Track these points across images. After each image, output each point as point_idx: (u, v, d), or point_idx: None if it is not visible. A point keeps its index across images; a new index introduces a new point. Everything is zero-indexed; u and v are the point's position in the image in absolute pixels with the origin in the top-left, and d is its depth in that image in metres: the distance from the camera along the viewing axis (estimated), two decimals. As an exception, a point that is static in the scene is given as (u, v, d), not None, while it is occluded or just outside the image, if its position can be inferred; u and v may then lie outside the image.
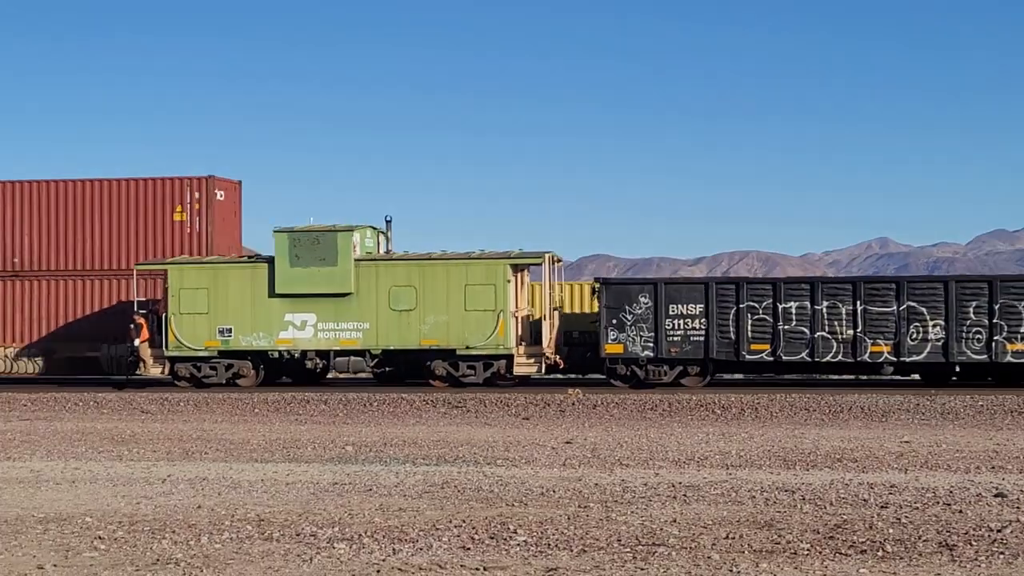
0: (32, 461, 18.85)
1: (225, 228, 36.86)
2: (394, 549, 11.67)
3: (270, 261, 33.57)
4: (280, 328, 33.41)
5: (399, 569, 10.84)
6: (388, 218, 36.53)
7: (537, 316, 34.17)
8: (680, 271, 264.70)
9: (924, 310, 31.07)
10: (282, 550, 11.66)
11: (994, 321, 30.75)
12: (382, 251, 35.60)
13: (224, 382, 33.82)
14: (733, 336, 31.68)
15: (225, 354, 33.84)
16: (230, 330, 33.62)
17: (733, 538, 12.03)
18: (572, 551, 11.52)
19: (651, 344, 31.90)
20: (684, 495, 14.80)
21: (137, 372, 34.69)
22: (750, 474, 16.75)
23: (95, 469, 17.81)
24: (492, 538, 12.14)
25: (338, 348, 33.40)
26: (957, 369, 31.80)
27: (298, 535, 12.38)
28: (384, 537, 12.22)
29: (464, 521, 13.07)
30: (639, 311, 32.06)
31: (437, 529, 12.62)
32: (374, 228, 35.51)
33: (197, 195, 35.91)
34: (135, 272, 34.46)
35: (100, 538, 12.30)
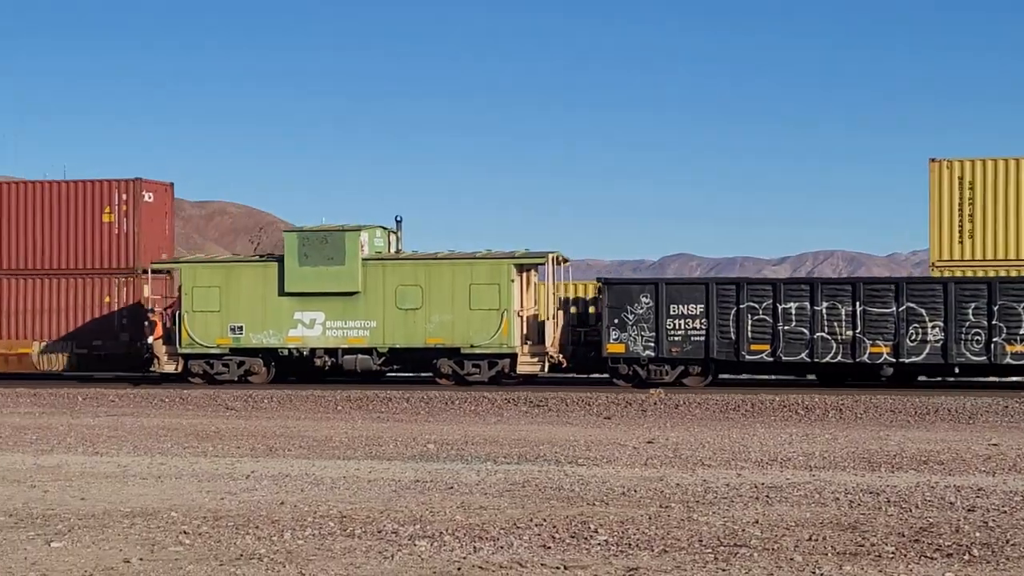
0: (119, 456, 19.12)
1: (153, 229, 37.52)
2: (475, 547, 11.69)
3: (280, 260, 34.07)
4: (290, 326, 33.97)
5: (480, 567, 10.85)
6: (398, 218, 36.98)
7: (543, 316, 34.39)
8: (764, 271, 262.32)
9: (923, 311, 31.01)
10: (363, 547, 11.73)
11: (993, 323, 30.65)
12: (392, 251, 35.91)
13: (236, 379, 34.35)
14: (733, 336, 31.80)
15: (236, 351, 34.40)
16: (241, 328, 34.17)
17: (816, 540, 11.91)
18: (653, 551, 11.47)
19: (652, 344, 32.07)
20: (767, 496, 14.69)
21: (151, 369, 35.26)
22: (834, 476, 16.58)
23: (180, 465, 18.02)
24: (573, 537, 12.12)
25: (346, 346, 33.84)
26: (956, 371, 31.61)
27: (379, 532, 12.44)
28: (465, 535, 12.25)
29: (545, 520, 13.06)
30: (640, 311, 32.22)
31: (518, 527, 12.62)
32: (384, 228, 35.90)
33: (124, 197, 36.70)
34: (149, 270, 35.26)
35: (185, 532, 12.45)
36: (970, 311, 30.79)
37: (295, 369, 35.32)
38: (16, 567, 10.98)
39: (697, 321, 31.89)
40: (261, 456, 19.19)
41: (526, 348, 33.50)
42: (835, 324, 31.39)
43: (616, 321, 32.24)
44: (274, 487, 15.65)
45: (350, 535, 12.29)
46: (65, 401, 29.85)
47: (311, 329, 33.85)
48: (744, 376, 34.57)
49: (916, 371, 32.17)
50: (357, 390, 31.36)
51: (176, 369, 34.71)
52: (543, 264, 34.32)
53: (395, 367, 35.13)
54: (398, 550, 11.55)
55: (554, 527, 12.63)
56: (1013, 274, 32.62)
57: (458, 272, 33.51)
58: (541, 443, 20.85)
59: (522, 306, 33.79)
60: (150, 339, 34.74)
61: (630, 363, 32.44)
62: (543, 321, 34.00)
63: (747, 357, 31.88)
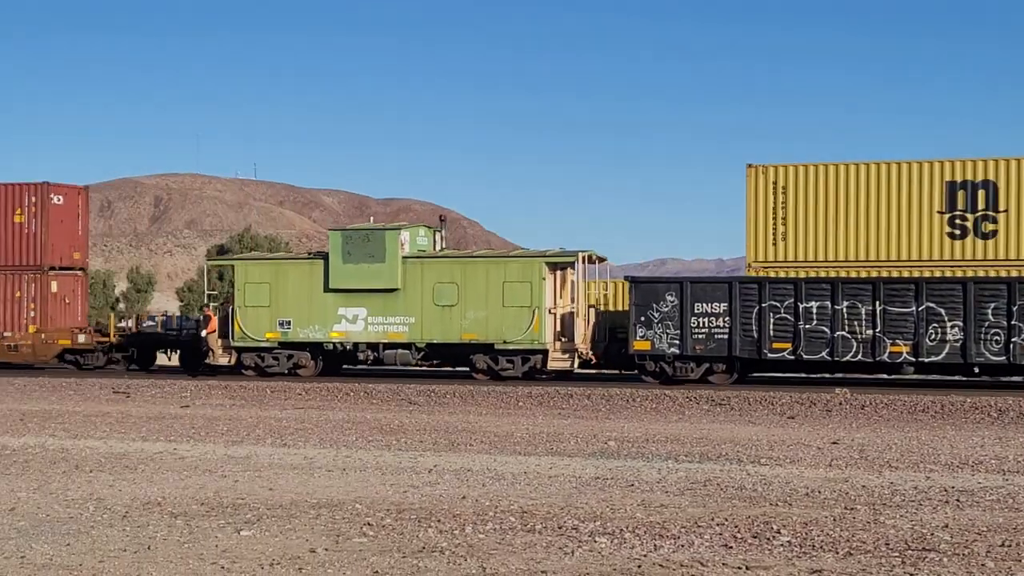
0: (306, 448, 19.52)
1: (62, 230, 39.62)
2: (655, 545, 11.62)
3: (325, 257, 35.44)
4: (334, 321, 35.27)
5: (660, 565, 10.78)
6: (442, 217, 38.24)
7: (578, 314, 34.75)
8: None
9: (943, 311, 31.07)
10: (544, 542, 11.75)
11: (1012, 323, 30.57)
12: (437, 249, 36.79)
13: (286, 372, 35.70)
14: (755, 335, 32.11)
15: (285, 345, 35.78)
16: (289, 322, 35.63)
17: (1009, 546, 11.53)
18: (838, 553, 11.24)
19: (677, 341, 32.60)
20: (957, 500, 14.27)
21: (206, 361, 36.76)
22: (1028, 480, 16.03)
23: (365, 458, 18.31)
24: (755, 537, 11.95)
25: (386, 341, 34.99)
26: (976, 371, 31.51)
27: (560, 528, 12.45)
28: (645, 533, 12.18)
29: (726, 519, 12.91)
30: (666, 309, 32.78)
31: (699, 527, 12.50)
32: (428, 227, 37.18)
33: (34, 199, 38.87)
34: (206, 267, 36.87)
35: (369, 524, 12.64)
36: (989, 311, 30.80)
37: (339, 362, 36.64)
38: (207, 554, 11.29)
39: (720, 319, 32.38)
40: (443, 451, 19.39)
41: (557, 345, 34.32)
42: (855, 323, 31.60)
43: (642, 319, 32.85)
44: (456, 481, 15.80)
45: (531, 530, 12.33)
46: (254, 394, 30.61)
47: (354, 324, 35.16)
48: (770, 374, 34.81)
49: (935, 371, 32.10)
50: (539, 387, 31.47)
51: (230, 362, 36.35)
52: (571, 263, 34.85)
53: (434, 362, 36.05)
54: (578, 546, 11.55)
55: (736, 527, 12.48)
56: (821, 275, 33.66)
57: (492, 270, 34.57)
58: (723, 442, 20.63)
59: (555, 304, 34.51)
60: (203, 333, 36.56)
61: (656, 360, 32.98)
62: (575, 318, 34.51)
63: (769, 355, 32.27)
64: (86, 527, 12.53)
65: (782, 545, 11.60)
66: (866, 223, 34.41)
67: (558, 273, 34.94)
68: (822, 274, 33.83)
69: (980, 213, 33.52)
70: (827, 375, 33.96)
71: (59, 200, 39.81)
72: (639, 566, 10.74)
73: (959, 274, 32.76)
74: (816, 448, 19.79)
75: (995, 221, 33.45)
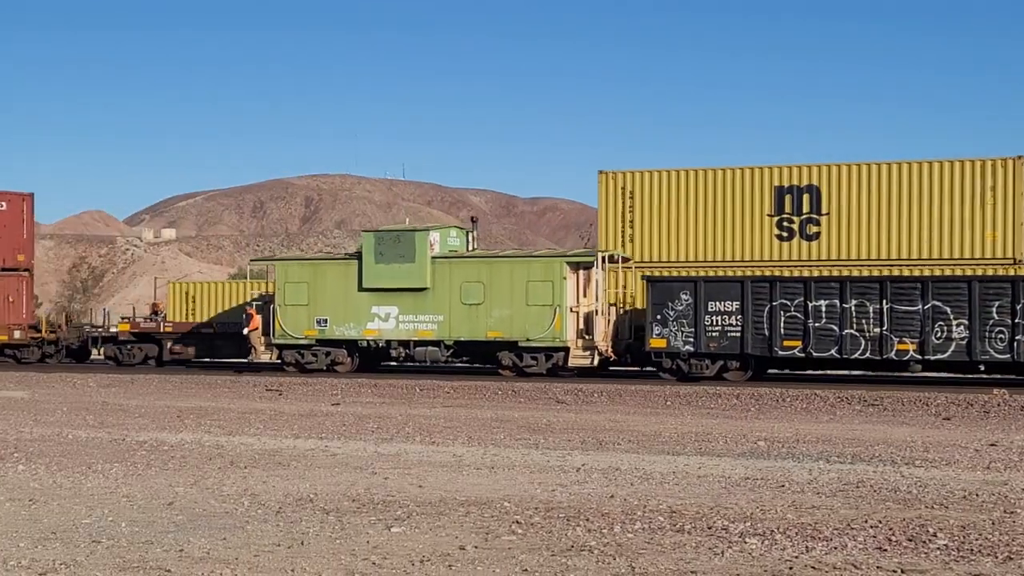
0: (454, 446, 19.65)
1: (6, 234, 43.47)
2: (807, 547, 11.44)
3: (359, 258, 36.85)
4: (368, 319, 36.74)
5: (812, 567, 10.61)
6: (474, 218, 40.00)
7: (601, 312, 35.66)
8: None
9: (948, 309, 31.55)
10: (693, 542, 11.65)
11: (1016, 321, 31.01)
12: (468, 249, 38.07)
13: (324, 368, 37.25)
14: (767, 332, 32.98)
15: (322, 342, 37.34)
16: (326, 320, 37.14)
17: None
18: (997, 558, 10.94)
19: (691, 339, 33.63)
20: (1123, 504, 13.79)
21: (249, 358, 38.68)
22: None
23: (513, 456, 18.37)
24: (910, 540, 11.70)
25: (416, 338, 36.37)
26: (981, 368, 32.02)
27: (709, 528, 12.33)
28: (797, 534, 12.00)
29: (880, 522, 12.66)
30: (680, 307, 33.77)
31: (852, 528, 12.27)
32: (460, 228, 38.76)
33: None
34: (248, 267, 38.49)
35: (518, 522, 12.67)
36: (994, 309, 31.21)
37: (375, 359, 38.12)
38: (359, 549, 11.42)
39: (733, 317, 33.26)
40: (591, 449, 19.36)
41: (579, 342, 35.22)
42: (863, 321, 32.25)
43: (658, 317, 33.94)
44: (604, 480, 15.76)
45: (680, 530, 12.24)
46: (403, 392, 30.93)
47: (386, 322, 36.58)
48: (786, 371, 35.88)
49: (942, 368, 32.84)
50: (686, 386, 31.26)
51: (271, 358, 38.12)
52: (591, 263, 35.76)
53: (464, 358, 37.23)
54: (728, 547, 11.43)
55: (890, 529, 12.22)
56: (674, 274, 35.78)
57: (516, 270, 35.67)
58: (876, 443, 20.24)
59: (577, 302, 35.45)
60: (246, 331, 38.49)
61: (672, 357, 34.04)
62: (597, 316, 35.44)
63: (780, 353, 33.10)
64: (241, 522, 12.78)
65: (939, 549, 11.33)
66: (704, 225, 36.90)
67: (581, 273, 35.73)
68: (674, 273, 35.92)
69: (805, 216, 36.00)
70: (835, 371, 35.16)
71: (3, 206, 43.52)
72: (791, 568, 10.59)
73: (787, 274, 34.75)
74: (973, 450, 19.31)
75: (818, 224, 35.93)
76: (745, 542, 11.63)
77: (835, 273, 34.51)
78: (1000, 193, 34.37)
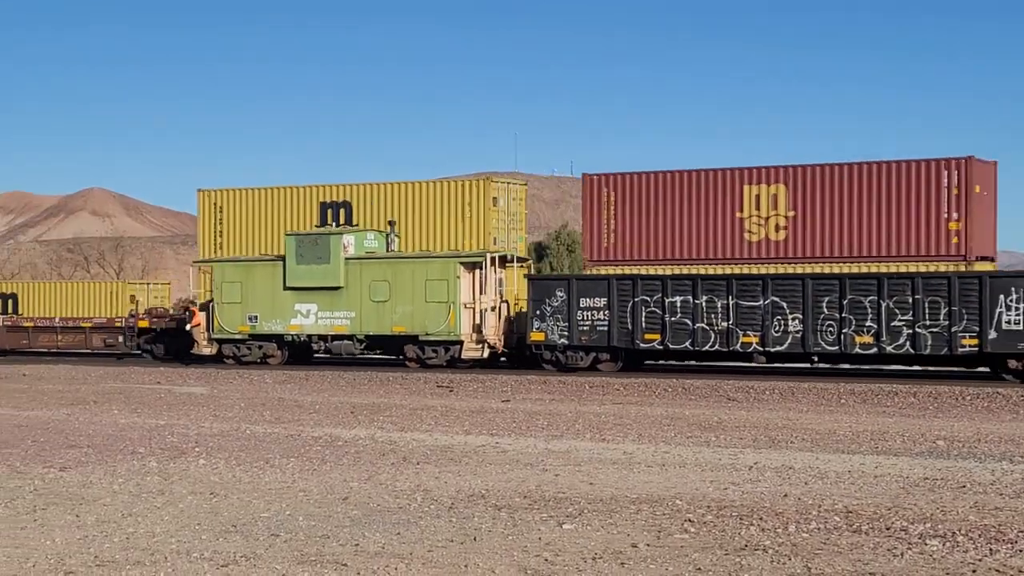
0: (624, 444, 19.57)
1: None
2: (991, 549, 11.10)
3: (283, 259, 39.87)
4: (291, 316, 39.94)
5: (996, 571, 10.30)
6: (391, 221, 41.47)
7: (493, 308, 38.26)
8: None
9: (785, 305, 33.62)
10: (871, 543, 11.40)
11: (844, 315, 32.98)
12: (387, 250, 40.38)
13: (257, 360, 40.40)
14: (630, 327, 35.33)
15: (254, 337, 40.55)
16: (256, 317, 40.40)
17: None
18: None
19: (566, 333, 36.04)
20: None
21: (192, 351, 41.59)
22: None
23: (684, 454, 18.22)
24: (1101, 544, 11.26)
25: (333, 333, 39.40)
26: (815, 360, 34.09)
27: (887, 529, 12.05)
28: (980, 536, 11.65)
29: (1068, 524, 12.22)
30: (556, 304, 36.20)
31: (1038, 531, 11.88)
32: (379, 231, 40.79)
33: None
34: (191, 267, 42.17)
35: (690, 521, 12.56)
36: (824, 305, 33.22)
37: (308, 352, 40.78)
38: (531, 546, 11.44)
39: (601, 312, 35.68)
40: (763, 447, 19.09)
41: (473, 336, 37.82)
42: (712, 316, 34.52)
43: (538, 312, 36.41)
44: (777, 479, 15.53)
45: (856, 531, 11.98)
46: (572, 389, 30.94)
47: (307, 318, 39.73)
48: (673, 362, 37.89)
49: (780, 359, 34.74)
50: (861, 383, 30.65)
51: (212, 352, 41.15)
52: (480, 262, 38.08)
53: (376, 351, 40.19)
54: (908, 548, 11.15)
55: (1079, 532, 11.79)
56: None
57: (416, 269, 38.46)
58: (1061, 443, 19.56)
59: (473, 299, 38.01)
60: (188, 327, 41.73)
61: (551, 349, 36.45)
62: (488, 312, 38.15)
63: (641, 345, 35.48)
64: (415, 517, 12.91)
65: None
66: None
67: (477, 272, 38.12)
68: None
69: None
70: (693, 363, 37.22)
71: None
72: (973, 571, 10.29)
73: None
74: None
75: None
76: (925, 544, 11.33)
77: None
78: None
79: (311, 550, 11.30)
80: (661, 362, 37.99)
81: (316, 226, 42.04)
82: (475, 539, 11.76)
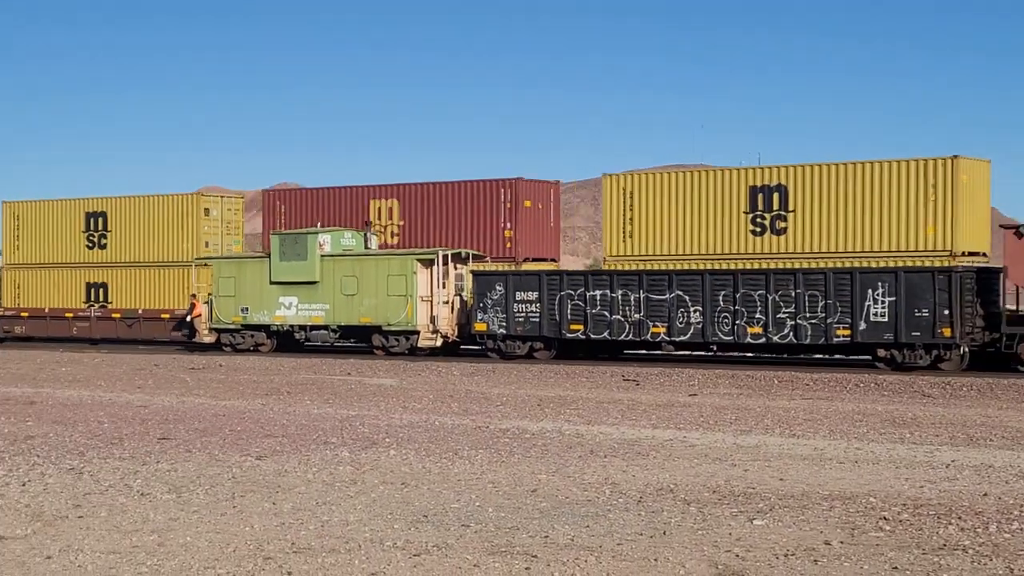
0: (815, 439, 19.25)
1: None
2: None
3: (269, 256, 43.87)
4: (276, 308, 43.81)
5: None
6: (367, 221, 45.35)
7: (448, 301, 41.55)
8: None
9: (688, 298, 36.58)
10: (1077, 545, 10.99)
11: (736, 308, 35.75)
12: (365, 248, 43.66)
13: (250, 348, 44.22)
14: (557, 318, 38.47)
15: (246, 327, 44.44)
16: (247, 309, 44.24)
17: None
18: None
19: (504, 324, 39.26)
20: None
21: (193, 339, 45.67)
22: None
23: (877, 450, 17.84)
24: None
25: (311, 324, 43.23)
26: (714, 349, 36.92)
27: (1095, 531, 11.60)
28: None
29: None
30: (496, 297, 39.43)
31: None
32: (357, 231, 44.24)
33: None
34: (194, 263, 46.75)
35: (885, 519, 12.29)
36: (720, 298, 35.99)
37: (289, 340, 44.11)
38: (721, 541, 11.33)
39: (533, 305, 38.89)
40: (961, 445, 18.57)
41: (428, 327, 41.29)
42: (627, 309, 37.49)
43: (481, 304, 39.71)
44: (976, 477, 15.09)
45: (1062, 532, 11.57)
46: (761, 384, 30.55)
47: (289, 310, 43.58)
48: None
49: (684, 348, 37.49)
50: (1062, 380, 29.56)
51: (212, 340, 44.91)
52: (432, 259, 41.26)
53: (351, 340, 43.49)
54: (1117, 552, 10.72)
55: None
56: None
57: (380, 265, 41.92)
58: None
59: (430, 293, 41.32)
60: (189, 317, 45.86)
61: (492, 339, 39.53)
62: (446, 304, 41.41)
63: (567, 335, 38.47)
64: (603, 510, 12.90)
65: None
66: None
67: (434, 268, 41.29)
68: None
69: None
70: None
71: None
72: None
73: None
74: None
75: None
76: None
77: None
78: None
79: (501, 541, 11.38)
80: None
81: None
82: (664, 533, 11.70)
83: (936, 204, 36.64)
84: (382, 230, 45.63)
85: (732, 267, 38.36)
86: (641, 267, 39.91)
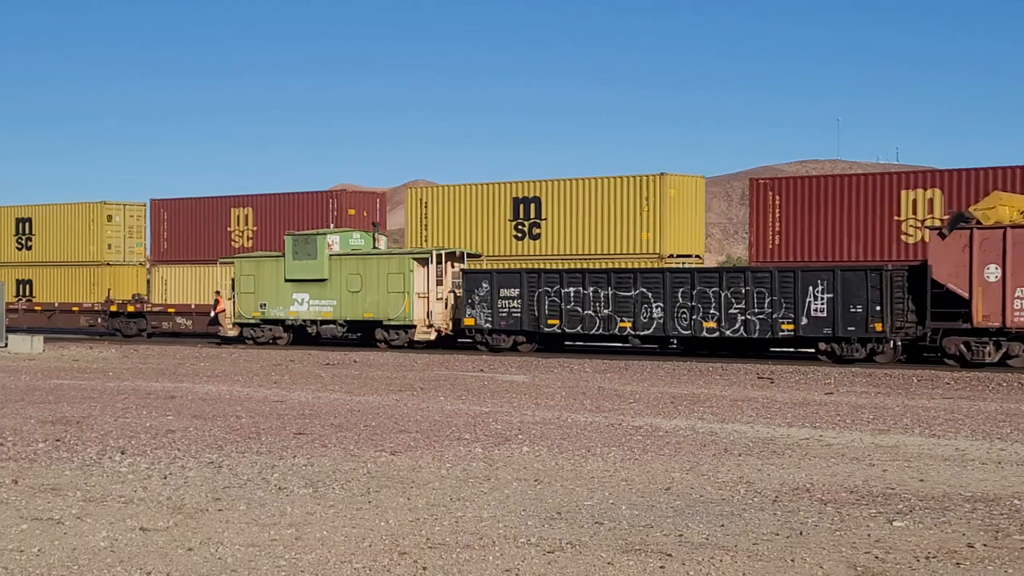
0: (956, 440, 18.82)
1: None
2: None
3: (284, 255, 46.98)
4: (291, 303, 47.07)
5: None
6: (375, 223, 48.96)
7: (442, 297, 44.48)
8: None
9: (650, 295, 39.23)
10: None
11: (693, 304, 38.53)
12: (374, 247, 46.65)
13: (269, 341, 47.56)
14: (536, 313, 41.25)
15: (265, 321, 47.78)
16: (265, 305, 47.66)
17: None
18: None
19: (490, 318, 42.11)
20: None
21: (219, 333, 49.12)
22: None
23: (1021, 451, 17.38)
24: None
25: (321, 319, 46.44)
26: (673, 342, 40.06)
27: None
28: None
29: None
30: (482, 293, 42.23)
31: None
32: (365, 231, 47.59)
33: None
34: (218, 262, 50.72)
35: (1031, 522, 11.96)
36: (679, 295, 38.74)
37: (303, 333, 47.38)
38: (860, 542, 11.13)
39: (515, 301, 41.66)
40: (1109, 446, 18.01)
41: (424, 321, 44.16)
42: (597, 305, 40.15)
43: (470, 300, 42.51)
44: (1126, 480, 14.61)
45: None
46: (899, 382, 30.01)
47: (302, 306, 46.78)
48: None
49: (648, 342, 40.39)
50: None
51: (235, 333, 48.41)
52: (425, 258, 44.34)
53: (357, 334, 46.76)
54: None
55: None
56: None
57: (380, 264, 44.93)
58: None
59: (427, 289, 44.13)
60: (213, 312, 49.88)
61: (480, 332, 42.41)
62: (442, 300, 44.35)
63: (545, 329, 41.29)
64: (738, 509, 12.76)
65: None
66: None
67: (430, 267, 44.14)
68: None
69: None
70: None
71: None
72: None
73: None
74: None
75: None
76: None
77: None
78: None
79: (635, 539, 11.32)
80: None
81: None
82: (801, 534, 11.54)
83: (648, 213, 43.69)
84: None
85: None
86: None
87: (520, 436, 19.03)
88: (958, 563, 10.34)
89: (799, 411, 23.10)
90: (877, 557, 10.56)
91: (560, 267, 42.57)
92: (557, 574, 10.14)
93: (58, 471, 15.42)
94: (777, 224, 41.91)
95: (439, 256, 44.61)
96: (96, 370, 34.53)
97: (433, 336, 44.20)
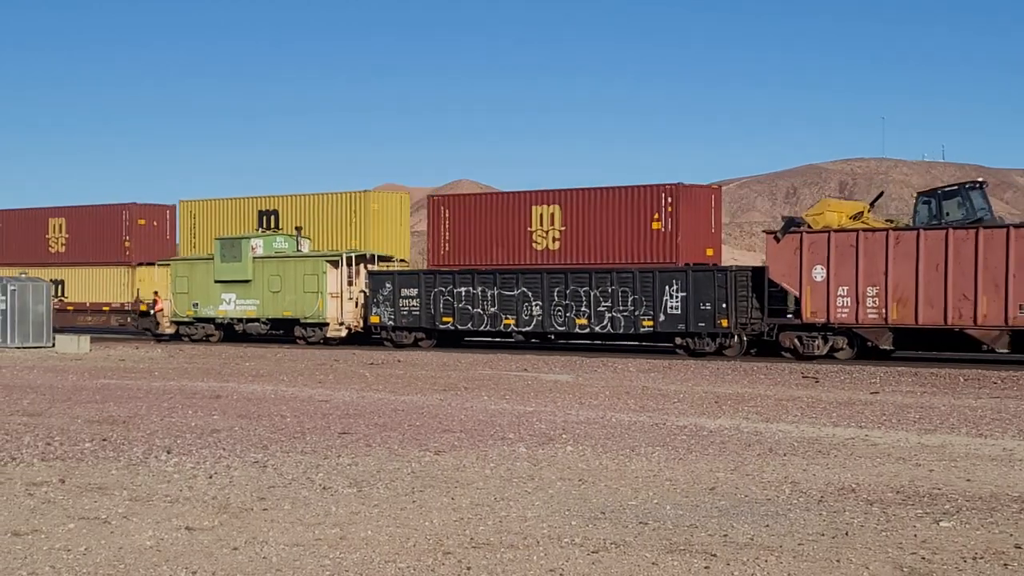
0: (1004, 439, 18.67)
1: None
2: None
3: (213, 258, 50.79)
4: (219, 303, 50.93)
5: None
6: (298, 227, 51.56)
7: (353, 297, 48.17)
8: None
9: (531, 294, 42.89)
10: None
11: (567, 302, 42.04)
12: (297, 250, 50.14)
13: (202, 338, 51.45)
14: (432, 312, 44.94)
15: (197, 320, 51.70)
16: (197, 304, 51.53)
17: None
18: None
19: (393, 316, 46.00)
20: None
21: (156, 331, 53.20)
22: None
23: (1070, 451, 17.22)
24: None
25: (246, 317, 50.19)
26: (552, 336, 43.49)
27: None
28: None
29: None
30: (386, 293, 46.17)
31: None
32: (289, 235, 51.11)
33: None
34: (156, 265, 54.93)
35: (1079, 522, 11.84)
36: (555, 293, 42.24)
37: (227, 332, 51.36)
38: (906, 543, 11.06)
39: (415, 300, 45.33)
40: None
41: (336, 319, 47.93)
42: (485, 303, 43.68)
43: (375, 300, 46.44)
44: None
45: None
46: (946, 382, 29.81)
47: (230, 306, 50.59)
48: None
49: (530, 336, 43.88)
50: None
51: (172, 331, 52.49)
52: (336, 261, 48.14)
53: (279, 331, 50.12)
54: None
55: None
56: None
57: (297, 266, 48.75)
58: None
59: (340, 289, 47.88)
60: (153, 311, 53.43)
61: (384, 330, 46.28)
62: (353, 300, 48.04)
63: (440, 326, 45.00)
64: (783, 509, 12.70)
65: None
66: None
67: (341, 268, 47.78)
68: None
69: None
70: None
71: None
72: None
73: None
74: None
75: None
76: None
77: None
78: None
79: (680, 539, 11.29)
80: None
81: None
82: (847, 534, 11.47)
83: (356, 225, 51.00)
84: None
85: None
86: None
87: (564, 436, 19.01)
88: (1005, 564, 10.25)
89: (844, 411, 22.97)
90: (923, 558, 10.48)
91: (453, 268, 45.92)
92: (601, 574, 10.12)
93: (104, 470, 15.53)
94: (447, 233, 48.01)
95: (349, 259, 48.32)
96: (142, 370, 34.79)
97: (344, 333, 47.99)
